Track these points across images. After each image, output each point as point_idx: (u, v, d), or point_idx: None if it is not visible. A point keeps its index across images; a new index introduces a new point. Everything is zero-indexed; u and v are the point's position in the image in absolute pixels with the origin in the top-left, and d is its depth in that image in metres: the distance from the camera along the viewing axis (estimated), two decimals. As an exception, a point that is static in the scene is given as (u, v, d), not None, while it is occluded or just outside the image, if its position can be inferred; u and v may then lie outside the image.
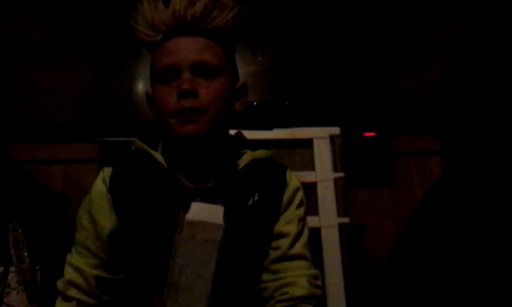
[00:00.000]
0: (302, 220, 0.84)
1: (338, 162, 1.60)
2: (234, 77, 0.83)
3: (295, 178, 0.87)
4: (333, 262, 1.46)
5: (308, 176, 1.56)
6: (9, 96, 1.84)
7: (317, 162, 1.60)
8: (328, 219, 1.52)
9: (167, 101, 0.75)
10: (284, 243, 0.80)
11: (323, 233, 1.50)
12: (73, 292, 0.77)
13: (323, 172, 1.59)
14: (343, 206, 1.54)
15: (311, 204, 1.51)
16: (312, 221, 1.34)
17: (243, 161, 0.82)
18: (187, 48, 0.76)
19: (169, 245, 0.66)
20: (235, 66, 0.85)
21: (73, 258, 0.80)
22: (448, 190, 1.36)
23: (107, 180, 0.80)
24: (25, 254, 1.22)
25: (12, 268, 1.22)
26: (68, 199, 1.56)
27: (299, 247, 0.81)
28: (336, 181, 1.57)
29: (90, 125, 1.82)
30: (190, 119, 0.74)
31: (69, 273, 0.79)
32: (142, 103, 1.85)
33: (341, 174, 1.57)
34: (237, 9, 0.80)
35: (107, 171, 0.82)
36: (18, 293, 1.22)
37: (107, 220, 0.78)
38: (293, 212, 0.83)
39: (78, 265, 0.78)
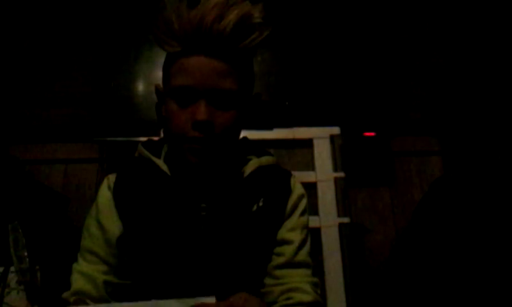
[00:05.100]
0: (305, 227, 0.84)
1: (338, 162, 1.60)
2: (250, 92, 0.81)
3: (299, 185, 0.87)
4: (333, 262, 1.46)
5: (308, 176, 1.56)
6: (10, 96, 1.84)
7: (317, 162, 1.60)
8: (328, 219, 1.52)
9: (180, 122, 0.73)
10: (288, 250, 0.79)
11: (323, 233, 1.50)
12: (82, 301, 0.76)
13: (323, 172, 1.59)
14: (343, 206, 1.54)
15: (311, 204, 1.52)
16: (312, 221, 1.34)
17: (249, 168, 0.82)
18: (207, 72, 0.71)
19: (174, 250, 0.65)
20: (253, 77, 0.81)
21: (81, 265, 0.78)
22: (449, 190, 1.36)
23: (112, 187, 0.80)
24: (25, 254, 1.22)
25: (12, 268, 1.22)
26: (68, 199, 1.56)
27: (303, 255, 0.81)
28: (336, 181, 1.57)
29: (90, 125, 1.82)
30: (201, 152, 0.73)
31: (78, 281, 0.77)
32: (142, 103, 1.86)
33: (341, 174, 1.57)
34: (267, 31, 0.75)
35: (111, 178, 0.82)
36: (18, 293, 1.22)
37: (114, 226, 0.78)
38: (297, 219, 0.82)
39: (87, 272, 0.77)
